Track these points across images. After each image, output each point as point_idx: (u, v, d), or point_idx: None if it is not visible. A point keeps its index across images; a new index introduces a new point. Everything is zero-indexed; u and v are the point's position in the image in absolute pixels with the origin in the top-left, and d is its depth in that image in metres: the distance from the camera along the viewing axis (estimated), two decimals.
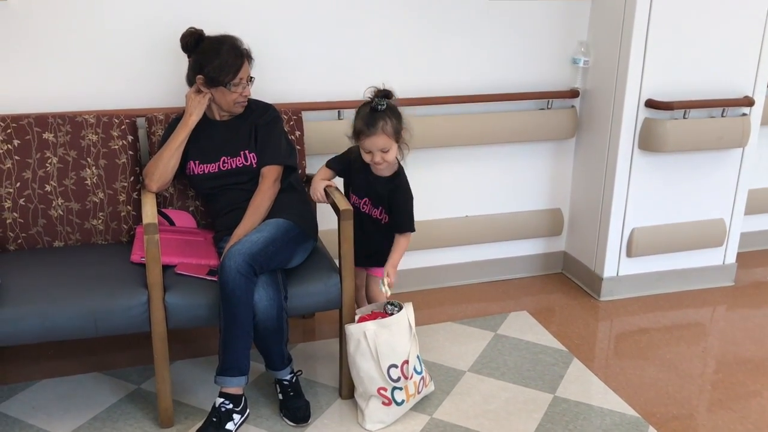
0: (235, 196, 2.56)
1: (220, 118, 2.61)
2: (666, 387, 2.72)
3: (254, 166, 2.56)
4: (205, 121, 2.58)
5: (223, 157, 2.57)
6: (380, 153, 2.41)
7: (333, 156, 2.68)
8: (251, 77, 2.55)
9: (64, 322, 2.21)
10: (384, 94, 2.41)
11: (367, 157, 2.46)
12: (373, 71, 3.07)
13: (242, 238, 2.32)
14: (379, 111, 2.39)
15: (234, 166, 2.56)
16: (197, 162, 2.58)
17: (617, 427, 2.46)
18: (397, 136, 2.43)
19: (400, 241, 2.54)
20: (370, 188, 2.56)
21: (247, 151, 2.56)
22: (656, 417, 2.53)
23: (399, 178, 2.54)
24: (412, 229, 2.54)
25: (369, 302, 2.79)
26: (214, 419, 2.32)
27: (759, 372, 2.83)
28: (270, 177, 2.53)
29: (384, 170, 2.51)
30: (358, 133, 2.42)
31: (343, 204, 2.46)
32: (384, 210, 2.56)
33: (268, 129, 2.60)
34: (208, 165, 2.57)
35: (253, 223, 2.43)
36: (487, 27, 3.20)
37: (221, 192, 2.59)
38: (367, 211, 2.59)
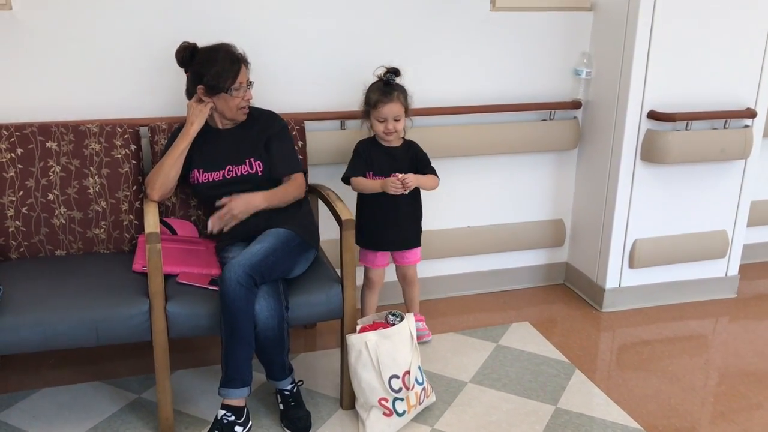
0: None
1: (223, 126, 2.62)
2: (668, 399, 2.71)
3: (259, 174, 2.57)
4: (209, 130, 2.59)
5: (228, 165, 2.57)
6: (393, 121, 2.69)
7: (345, 171, 2.79)
8: (250, 81, 2.57)
9: (66, 330, 2.21)
10: (393, 71, 2.72)
11: (380, 127, 2.71)
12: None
13: (243, 251, 2.33)
14: (391, 83, 2.71)
15: (239, 174, 2.57)
16: (201, 170, 2.58)
17: None
18: (406, 107, 2.73)
19: (431, 176, 2.81)
20: (395, 161, 2.77)
21: (252, 159, 2.57)
22: (658, 429, 2.52)
23: (411, 141, 2.86)
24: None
25: (404, 290, 3.04)
26: (217, 431, 2.32)
27: (762, 384, 2.82)
28: (297, 180, 2.61)
29: (394, 140, 2.78)
30: (375, 103, 2.68)
31: (346, 214, 2.47)
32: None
33: (281, 138, 2.63)
34: (213, 173, 2.57)
35: (272, 196, 2.52)
36: (490, 38, 3.21)
37: None
38: None
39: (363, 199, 2.83)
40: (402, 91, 2.72)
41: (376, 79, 2.75)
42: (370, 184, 2.74)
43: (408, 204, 2.82)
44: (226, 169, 2.57)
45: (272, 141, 2.60)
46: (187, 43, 2.53)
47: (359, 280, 3.09)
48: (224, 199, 2.49)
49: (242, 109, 2.56)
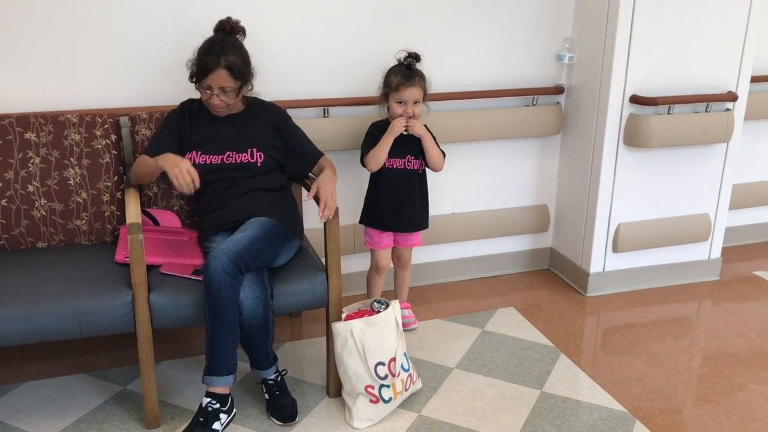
0: (225, 192, 2.54)
1: (216, 113, 2.58)
2: (653, 381, 2.73)
3: (258, 165, 2.55)
4: (209, 114, 2.56)
5: (229, 151, 2.55)
6: (412, 105, 2.73)
7: (361, 151, 2.83)
8: (226, 89, 2.44)
9: (48, 323, 2.19)
10: (414, 56, 2.74)
11: (399, 109, 2.74)
12: (358, 69, 3.06)
13: (227, 239, 2.31)
14: (413, 68, 2.73)
15: (238, 161, 2.54)
16: (199, 152, 2.54)
17: (604, 422, 2.47)
18: (425, 92, 2.77)
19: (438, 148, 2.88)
20: (407, 143, 2.79)
21: (255, 149, 2.55)
22: (643, 411, 2.54)
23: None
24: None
25: (397, 273, 3.06)
26: (201, 419, 2.31)
27: (744, 365, 2.85)
28: (328, 161, 2.69)
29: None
30: (396, 86, 2.71)
31: None
32: (422, 157, 2.86)
33: (293, 131, 2.66)
34: (212, 156, 2.54)
35: (332, 176, 2.57)
36: (471, 23, 3.20)
37: (213, 185, 2.55)
38: (414, 167, 2.85)
39: (381, 179, 2.83)
40: (422, 76, 2.75)
41: (395, 63, 2.76)
42: (382, 144, 2.74)
43: (422, 185, 2.90)
44: (226, 155, 2.54)
45: (287, 136, 2.62)
46: (228, 18, 2.51)
47: (344, 269, 3.08)
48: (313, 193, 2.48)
49: (212, 106, 2.50)
